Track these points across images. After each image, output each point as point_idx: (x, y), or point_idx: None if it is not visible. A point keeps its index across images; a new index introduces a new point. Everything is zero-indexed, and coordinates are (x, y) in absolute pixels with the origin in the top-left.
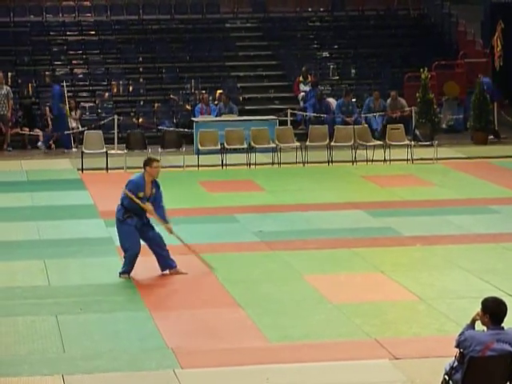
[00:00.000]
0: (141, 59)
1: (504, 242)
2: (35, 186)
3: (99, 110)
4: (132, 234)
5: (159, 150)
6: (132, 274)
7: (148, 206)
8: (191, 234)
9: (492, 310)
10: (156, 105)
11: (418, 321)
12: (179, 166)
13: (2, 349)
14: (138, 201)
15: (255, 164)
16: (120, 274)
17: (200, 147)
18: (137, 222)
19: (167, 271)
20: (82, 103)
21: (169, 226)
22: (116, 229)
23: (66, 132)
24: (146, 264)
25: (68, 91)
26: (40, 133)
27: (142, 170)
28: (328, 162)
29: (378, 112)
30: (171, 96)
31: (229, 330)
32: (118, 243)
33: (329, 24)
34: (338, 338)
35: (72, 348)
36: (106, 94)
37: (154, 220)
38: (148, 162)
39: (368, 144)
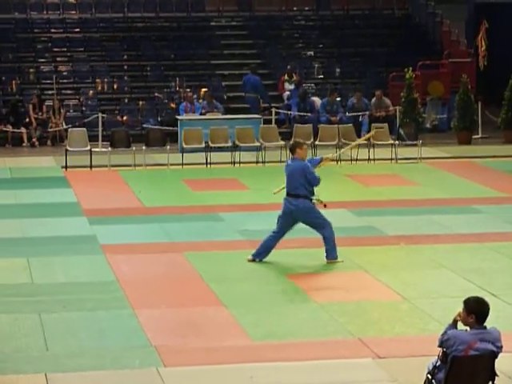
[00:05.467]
0: (125, 57)
1: (488, 241)
2: (19, 184)
3: (83, 108)
4: None
5: (143, 147)
6: (116, 272)
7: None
8: (175, 233)
9: (477, 310)
10: (140, 103)
11: (401, 320)
12: (163, 164)
13: None
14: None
15: (240, 162)
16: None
17: (184, 145)
18: None
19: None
20: (66, 101)
21: (327, 158)
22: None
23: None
24: (131, 262)
25: (51, 89)
26: (24, 131)
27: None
28: None
29: (361, 111)
30: (156, 94)
31: (212, 329)
32: (102, 241)
33: (314, 23)
34: (322, 337)
35: (55, 346)
36: (91, 92)
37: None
38: (298, 145)
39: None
